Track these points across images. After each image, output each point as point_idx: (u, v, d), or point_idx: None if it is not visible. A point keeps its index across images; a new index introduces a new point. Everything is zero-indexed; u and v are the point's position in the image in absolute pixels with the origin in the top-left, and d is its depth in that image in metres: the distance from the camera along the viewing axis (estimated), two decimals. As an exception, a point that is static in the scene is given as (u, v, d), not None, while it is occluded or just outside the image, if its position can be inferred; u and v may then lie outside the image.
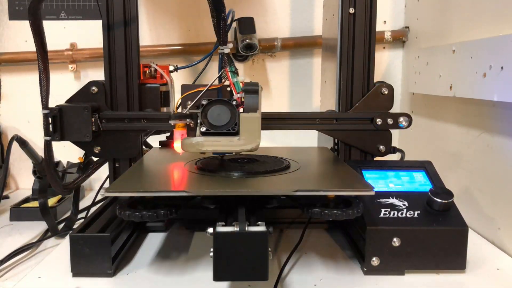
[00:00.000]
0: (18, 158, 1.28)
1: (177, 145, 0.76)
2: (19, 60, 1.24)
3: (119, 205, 0.67)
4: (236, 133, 0.71)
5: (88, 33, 1.23)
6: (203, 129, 0.72)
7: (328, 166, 0.86)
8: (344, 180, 0.74)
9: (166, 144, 1.01)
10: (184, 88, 0.84)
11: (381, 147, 0.87)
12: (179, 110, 0.82)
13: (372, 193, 0.64)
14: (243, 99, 0.74)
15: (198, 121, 0.73)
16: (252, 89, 0.72)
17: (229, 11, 0.86)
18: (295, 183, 0.72)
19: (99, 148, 0.85)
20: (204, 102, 0.72)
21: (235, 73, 0.79)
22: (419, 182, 0.79)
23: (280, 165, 0.78)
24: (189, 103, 0.80)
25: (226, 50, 0.79)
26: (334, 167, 0.83)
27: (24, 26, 1.24)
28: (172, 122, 0.76)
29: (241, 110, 0.72)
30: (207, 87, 0.81)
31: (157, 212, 0.65)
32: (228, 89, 0.81)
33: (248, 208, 0.68)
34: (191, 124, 0.76)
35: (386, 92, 0.87)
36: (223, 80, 0.81)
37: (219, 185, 0.70)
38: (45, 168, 0.76)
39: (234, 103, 0.72)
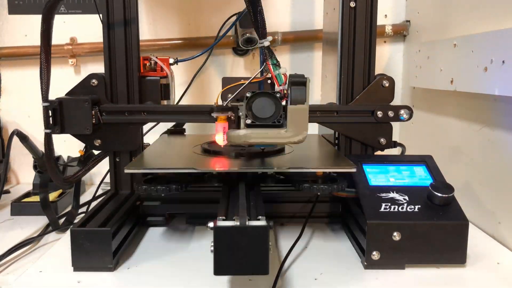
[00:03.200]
0: (19, 153, 1.28)
1: (219, 137, 0.78)
2: (19, 54, 1.24)
3: (136, 182, 0.78)
4: (281, 125, 0.72)
5: (88, 28, 1.22)
6: (248, 121, 0.72)
7: (318, 149, 0.94)
8: (330, 160, 0.85)
9: (174, 132, 1.09)
10: (225, 80, 0.83)
11: (381, 140, 0.87)
12: (219, 103, 0.82)
13: (354, 170, 0.73)
14: (285, 91, 0.74)
15: (240, 113, 0.74)
16: (300, 81, 0.72)
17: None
18: (289, 162, 0.80)
19: (99, 141, 0.85)
20: (248, 95, 0.72)
21: (277, 65, 0.79)
22: (419, 176, 0.79)
23: (276, 148, 0.86)
24: (229, 95, 0.80)
25: (266, 43, 0.78)
26: (323, 150, 0.92)
27: (23, 20, 1.24)
28: (214, 115, 0.77)
29: (283, 102, 0.73)
30: (250, 79, 0.80)
31: (170, 187, 0.74)
32: (269, 81, 0.81)
33: (248, 184, 0.79)
34: (232, 117, 0.76)
35: (387, 85, 0.86)
36: (266, 74, 0.81)
37: (223, 164, 0.78)
38: (46, 161, 0.76)
39: (277, 95, 0.72)
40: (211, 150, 0.85)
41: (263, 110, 0.72)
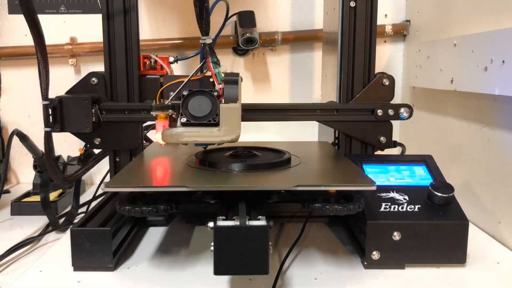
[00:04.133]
0: (19, 153, 1.28)
1: (159, 136, 0.75)
2: (19, 54, 1.24)
3: (119, 200, 0.67)
4: (217, 124, 0.71)
5: (88, 27, 1.22)
6: (184, 120, 0.71)
7: (329, 160, 0.86)
8: (345, 175, 0.74)
9: None
10: (166, 79, 0.84)
11: (382, 138, 0.87)
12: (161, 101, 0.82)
13: (374, 188, 0.64)
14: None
15: (180, 112, 0.73)
16: (232, 80, 0.72)
17: (216, 1, 0.85)
18: (296, 178, 0.72)
19: (99, 139, 0.85)
20: (185, 93, 0.72)
21: (217, 63, 0.79)
22: (419, 176, 0.79)
23: (281, 160, 0.77)
24: (171, 94, 0.79)
25: (208, 41, 0.78)
26: (335, 162, 0.83)
27: (23, 20, 1.23)
28: (154, 113, 0.75)
29: (222, 101, 0.72)
30: (189, 77, 0.80)
31: (157, 208, 0.65)
32: (211, 80, 0.81)
33: (248, 203, 0.68)
34: (174, 115, 0.75)
35: (387, 83, 0.86)
36: (205, 71, 0.80)
37: (219, 180, 0.70)
38: (45, 159, 0.76)
39: (215, 94, 0.72)
40: (206, 162, 0.77)
41: (199, 109, 0.71)
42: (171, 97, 0.78)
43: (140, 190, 0.67)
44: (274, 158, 0.79)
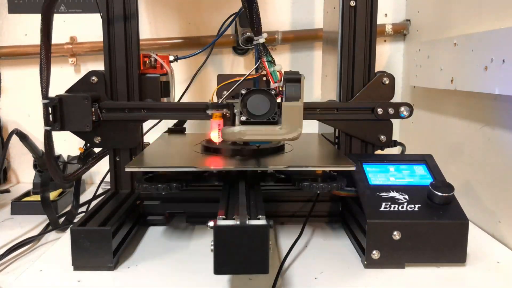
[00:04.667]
0: (19, 152, 1.28)
1: (214, 134, 0.77)
2: (19, 53, 1.23)
3: (137, 180, 0.77)
4: (276, 122, 0.72)
5: (88, 27, 1.22)
6: (243, 118, 0.72)
7: (318, 148, 0.94)
8: (329, 158, 0.85)
9: (174, 131, 1.09)
10: (220, 78, 0.83)
11: (382, 137, 0.87)
12: (215, 100, 0.82)
13: (353, 168, 0.72)
14: (281, 88, 0.74)
15: (235, 110, 0.74)
16: (294, 78, 0.72)
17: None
18: (288, 161, 0.80)
19: (99, 138, 0.85)
20: (243, 92, 0.72)
21: (272, 62, 0.79)
22: (419, 175, 0.79)
23: (276, 147, 0.85)
24: (224, 93, 0.79)
25: (261, 40, 0.78)
26: (323, 149, 0.92)
27: (23, 20, 1.24)
28: (209, 112, 0.77)
29: (278, 99, 0.72)
30: (245, 77, 0.80)
31: (170, 185, 0.74)
32: (264, 78, 0.81)
33: (248, 182, 0.78)
34: (227, 114, 0.76)
35: (387, 82, 0.86)
36: (260, 71, 0.80)
37: (223, 163, 0.78)
38: (45, 158, 0.76)
39: (272, 92, 0.72)
40: (211, 148, 0.84)
41: (258, 107, 0.72)
42: (224, 96, 0.78)
43: (157, 169, 0.78)
44: (270, 146, 0.85)
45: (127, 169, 0.72)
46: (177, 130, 1.10)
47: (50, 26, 0.72)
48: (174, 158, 0.85)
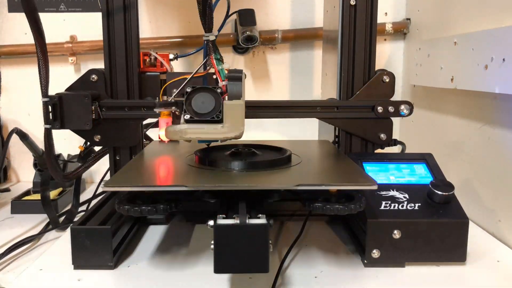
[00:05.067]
0: (19, 151, 1.28)
1: (162, 133, 0.74)
2: (18, 52, 1.23)
3: (118, 200, 0.67)
4: (221, 121, 0.71)
5: (88, 26, 1.22)
6: (187, 116, 0.71)
7: (329, 159, 0.85)
8: (346, 174, 0.73)
9: None
10: (170, 75, 0.84)
11: (382, 135, 0.87)
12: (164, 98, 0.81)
13: (375, 187, 0.63)
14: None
15: (183, 109, 0.73)
16: (235, 76, 0.71)
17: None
18: (297, 178, 0.71)
19: (99, 136, 0.85)
20: (188, 90, 0.72)
21: (220, 60, 0.78)
22: (419, 174, 0.79)
23: (281, 159, 0.76)
24: (174, 90, 0.79)
25: (211, 37, 0.78)
26: (335, 161, 0.82)
27: (23, 19, 1.23)
28: (157, 110, 0.75)
29: (226, 98, 0.72)
30: (192, 74, 0.79)
31: (157, 207, 0.65)
32: (214, 76, 0.80)
33: (249, 202, 0.67)
34: (177, 112, 0.75)
35: (387, 80, 0.86)
36: (208, 68, 0.80)
37: (219, 179, 0.69)
38: (45, 156, 0.76)
39: (218, 90, 0.72)
40: (206, 161, 0.76)
41: (203, 106, 0.71)
42: (174, 94, 0.78)
43: (139, 189, 0.67)
44: (275, 157, 0.78)
45: (105, 189, 0.65)
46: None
47: (39, 23, 0.71)
48: (162, 173, 0.75)
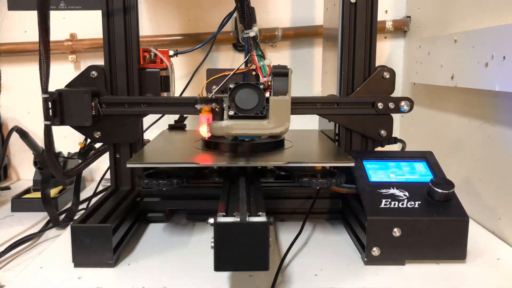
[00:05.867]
0: (19, 149, 1.28)
1: (203, 129, 0.77)
2: (18, 50, 1.23)
3: (138, 176, 0.77)
4: (264, 117, 0.72)
5: (88, 23, 1.22)
6: (231, 112, 0.72)
7: (317, 144, 0.94)
8: (329, 155, 0.84)
9: (174, 127, 1.09)
10: (210, 72, 0.83)
11: (382, 132, 0.87)
12: (204, 94, 0.82)
13: (352, 164, 0.72)
14: (270, 83, 0.74)
15: (224, 105, 0.73)
16: (282, 72, 0.72)
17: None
18: (288, 157, 0.80)
19: (99, 133, 0.85)
20: (231, 86, 0.72)
21: (262, 56, 0.78)
22: (420, 172, 0.79)
23: (275, 144, 0.84)
24: (214, 87, 0.79)
25: (252, 34, 0.78)
26: (322, 146, 0.92)
27: (23, 17, 1.24)
28: (198, 107, 0.76)
29: (267, 94, 0.72)
30: (234, 71, 0.80)
31: (171, 181, 0.74)
32: (254, 73, 0.81)
33: (248, 178, 0.78)
34: (217, 109, 0.76)
35: (388, 76, 0.86)
36: (249, 65, 0.80)
37: (224, 159, 0.77)
38: (45, 153, 0.76)
39: (261, 86, 0.72)
40: (211, 145, 0.84)
41: (246, 101, 0.72)
42: (214, 91, 0.78)
43: (158, 165, 0.78)
44: (270, 141, 0.85)
45: (128, 165, 0.72)
46: (178, 126, 1.09)
47: (48, 20, 0.71)
48: (175, 155, 0.85)
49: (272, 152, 0.82)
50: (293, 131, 1.01)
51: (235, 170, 0.84)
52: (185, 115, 1.10)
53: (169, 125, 1.09)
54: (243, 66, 0.81)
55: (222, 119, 0.76)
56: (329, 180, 0.74)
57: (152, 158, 0.80)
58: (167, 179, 0.74)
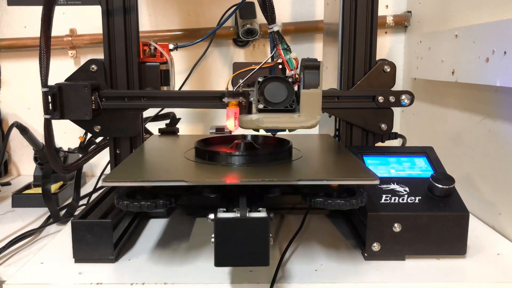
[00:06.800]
0: (19, 145, 1.28)
1: (230, 123, 0.73)
2: (18, 46, 1.23)
3: (118, 195, 0.67)
4: (293, 110, 0.70)
5: (87, 19, 1.22)
6: (261, 106, 0.70)
7: (330, 154, 0.84)
8: (347, 169, 0.72)
9: (165, 132, 1.00)
10: (236, 66, 0.82)
11: (383, 126, 0.87)
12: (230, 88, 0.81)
13: (377, 182, 0.63)
14: (297, 76, 0.73)
15: (251, 99, 0.72)
16: (313, 65, 0.70)
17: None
18: (298, 172, 0.70)
19: (99, 127, 0.84)
20: (260, 79, 0.71)
21: (288, 50, 0.78)
22: (420, 167, 0.79)
23: (282, 154, 0.76)
24: (240, 81, 0.78)
25: (276, 28, 0.77)
26: (337, 155, 0.82)
27: (22, 12, 1.23)
28: (226, 100, 0.74)
29: (295, 87, 0.72)
30: (261, 65, 0.79)
31: (156, 202, 0.64)
32: (280, 66, 0.80)
33: (249, 197, 0.67)
34: (243, 103, 0.75)
35: (388, 70, 0.86)
36: (276, 59, 0.80)
37: (219, 174, 0.68)
38: (45, 147, 0.75)
39: (289, 80, 0.71)
40: (205, 155, 0.75)
41: (275, 95, 0.70)
42: (239, 84, 0.77)
43: (138, 184, 0.66)
44: (275, 151, 0.77)
45: (104, 184, 0.63)
46: (169, 131, 1.00)
47: (52, 14, 0.71)
48: (161, 168, 0.74)
49: (279, 163, 0.73)
50: (300, 135, 0.92)
51: (234, 187, 0.70)
52: (178, 117, 1.06)
53: (159, 129, 1.01)
54: (269, 61, 0.81)
55: (249, 113, 0.73)
56: (348, 201, 0.64)
57: (135, 172, 0.70)
58: (151, 200, 0.65)
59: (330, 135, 0.96)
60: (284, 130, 0.74)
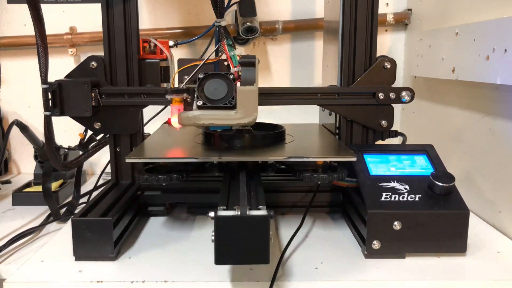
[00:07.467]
0: (20, 143, 1.28)
1: (174, 120, 0.75)
2: (18, 44, 1.23)
3: (137, 171, 0.77)
4: (234, 107, 0.71)
5: (87, 17, 1.22)
6: (200, 103, 0.72)
7: (319, 139, 0.94)
8: (331, 149, 0.84)
9: None
10: (181, 62, 0.83)
11: (383, 122, 0.87)
12: (176, 85, 0.81)
13: (354, 159, 0.72)
14: (240, 73, 0.73)
15: (195, 95, 0.73)
16: (249, 62, 0.71)
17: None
18: (289, 152, 0.78)
19: (99, 123, 0.84)
20: (200, 76, 0.72)
21: (232, 46, 0.78)
22: (420, 165, 0.79)
23: (276, 138, 0.85)
24: (185, 77, 0.79)
25: (223, 23, 0.77)
26: (324, 140, 0.92)
27: (22, 10, 1.23)
28: (169, 97, 0.75)
29: (238, 84, 0.72)
30: (204, 61, 0.79)
31: (171, 176, 0.74)
32: (225, 63, 0.80)
33: (248, 173, 0.78)
34: (188, 99, 0.75)
35: (389, 67, 0.85)
36: (220, 54, 0.80)
37: (224, 154, 0.77)
38: (45, 144, 0.75)
39: (231, 77, 0.71)
40: (212, 139, 0.84)
41: (215, 92, 0.72)
42: (185, 81, 0.77)
43: (157, 160, 0.77)
44: (270, 135, 0.85)
45: (127, 160, 0.72)
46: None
47: (39, 11, 0.70)
48: (175, 149, 0.85)
49: (273, 146, 0.82)
50: (294, 125, 1.04)
51: (235, 164, 0.83)
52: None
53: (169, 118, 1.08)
54: (213, 56, 0.81)
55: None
56: (330, 175, 0.74)
57: (152, 152, 0.80)
58: (166, 174, 0.74)
59: (320, 125, 1.04)
60: (225, 128, 0.80)
